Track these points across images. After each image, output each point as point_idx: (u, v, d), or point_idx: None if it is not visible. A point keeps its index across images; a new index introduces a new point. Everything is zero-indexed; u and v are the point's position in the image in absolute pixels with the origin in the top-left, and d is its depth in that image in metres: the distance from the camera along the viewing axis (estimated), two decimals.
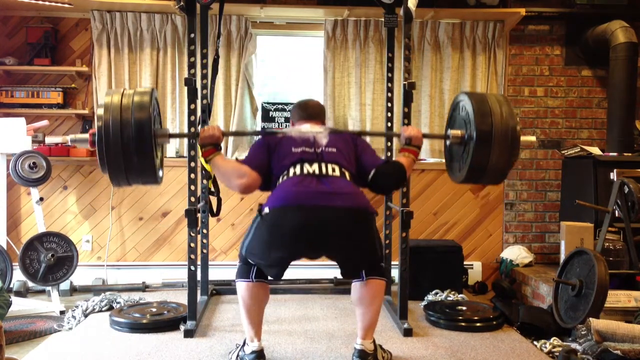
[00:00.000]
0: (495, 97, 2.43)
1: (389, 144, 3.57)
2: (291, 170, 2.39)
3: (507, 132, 2.32)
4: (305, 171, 2.37)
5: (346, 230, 2.29)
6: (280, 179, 2.42)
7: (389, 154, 3.55)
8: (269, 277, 2.43)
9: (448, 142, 2.58)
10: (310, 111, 2.66)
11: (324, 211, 2.27)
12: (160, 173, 2.43)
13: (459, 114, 2.51)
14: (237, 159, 2.51)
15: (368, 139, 3.90)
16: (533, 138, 2.57)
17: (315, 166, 2.39)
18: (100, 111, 2.18)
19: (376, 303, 2.44)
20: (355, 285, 2.45)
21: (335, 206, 2.27)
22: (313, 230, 2.26)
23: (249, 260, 2.42)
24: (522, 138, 2.40)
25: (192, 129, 2.96)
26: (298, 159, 2.41)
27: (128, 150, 2.15)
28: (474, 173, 2.41)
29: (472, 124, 2.32)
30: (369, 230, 2.37)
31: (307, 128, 2.53)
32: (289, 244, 2.30)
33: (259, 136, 2.68)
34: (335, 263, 2.40)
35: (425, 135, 2.62)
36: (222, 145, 4.11)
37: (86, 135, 2.23)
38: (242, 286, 2.42)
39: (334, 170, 2.40)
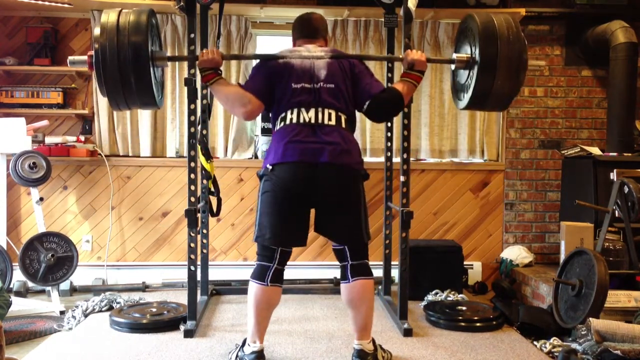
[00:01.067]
0: (504, 19, 2.39)
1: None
2: (288, 116, 2.42)
3: (513, 55, 2.28)
4: (301, 119, 2.40)
5: (331, 185, 2.35)
6: (279, 124, 2.45)
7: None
8: (291, 245, 2.45)
9: (453, 67, 2.54)
10: (311, 27, 2.61)
11: (314, 166, 2.33)
12: (160, 96, 2.41)
13: (465, 37, 2.47)
14: (239, 84, 2.48)
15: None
16: (542, 62, 2.54)
17: (312, 113, 2.40)
18: (97, 31, 2.16)
19: (365, 304, 2.42)
20: (343, 287, 2.45)
21: (324, 162, 2.33)
22: (306, 184, 2.34)
23: (265, 252, 2.41)
24: (531, 62, 2.36)
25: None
26: (296, 102, 2.41)
27: (125, 71, 2.13)
28: (478, 98, 2.37)
29: (477, 48, 2.28)
30: (355, 190, 2.42)
31: (308, 51, 2.50)
32: (291, 193, 2.35)
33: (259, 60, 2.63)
34: (334, 262, 2.40)
35: (429, 60, 2.55)
36: (222, 144, 4.16)
37: (84, 57, 2.21)
38: (255, 288, 2.41)
39: (329, 117, 2.41)
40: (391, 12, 3.46)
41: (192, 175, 2.98)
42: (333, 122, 2.41)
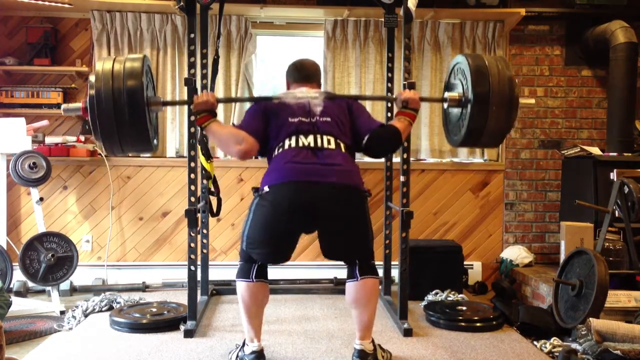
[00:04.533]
0: (493, 58, 2.40)
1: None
2: (286, 143, 2.39)
3: (505, 93, 2.29)
4: (300, 144, 2.37)
5: (338, 206, 2.32)
6: (276, 151, 2.41)
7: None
8: (276, 264, 2.44)
9: (446, 105, 2.56)
10: (305, 72, 2.63)
11: (317, 186, 2.29)
12: (155, 141, 2.41)
13: (456, 76, 2.49)
14: (233, 124, 2.48)
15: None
16: (532, 100, 2.55)
17: (311, 138, 2.38)
18: (92, 79, 2.16)
19: (372, 303, 2.44)
20: (349, 286, 2.44)
21: (328, 182, 2.30)
22: (308, 205, 2.30)
23: (250, 255, 2.41)
24: (522, 100, 2.38)
25: (192, 125, 2.94)
26: (294, 130, 2.40)
27: (120, 118, 2.13)
28: (472, 136, 2.38)
29: (470, 86, 2.30)
30: (360, 210, 2.39)
31: (302, 92, 2.50)
32: (287, 219, 2.32)
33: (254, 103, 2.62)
34: (326, 241, 2.39)
35: (422, 99, 2.57)
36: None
37: (79, 104, 2.21)
38: (242, 286, 2.42)
39: (329, 142, 2.39)
40: (391, 12, 3.46)
41: (192, 175, 2.98)
42: (332, 146, 2.39)
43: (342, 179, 2.33)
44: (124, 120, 2.14)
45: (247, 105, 4.02)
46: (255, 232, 2.36)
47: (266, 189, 2.33)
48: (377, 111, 4.17)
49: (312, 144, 2.37)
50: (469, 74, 2.31)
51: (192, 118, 2.98)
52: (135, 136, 2.21)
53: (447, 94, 2.49)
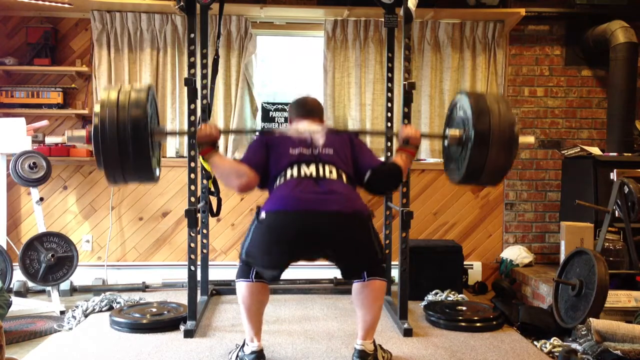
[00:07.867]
0: (494, 96, 2.42)
1: (389, 144, 3.56)
2: (288, 172, 2.39)
3: (505, 132, 2.30)
4: (302, 173, 2.37)
5: (342, 235, 2.30)
6: (278, 181, 2.42)
7: (388, 154, 3.54)
8: (269, 280, 2.44)
9: (446, 142, 2.57)
10: (308, 108, 2.66)
11: (320, 216, 2.28)
12: (158, 171, 2.42)
13: (457, 114, 2.50)
14: (235, 159, 2.50)
15: (367, 138, 3.94)
16: (531, 139, 2.56)
17: (313, 167, 2.39)
18: (97, 108, 2.17)
19: (377, 304, 2.44)
20: (356, 286, 2.44)
21: (330, 211, 2.28)
22: (310, 235, 2.28)
23: (249, 262, 2.43)
24: (521, 139, 2.39)
25: (192, 129, 2.94)
26: (295, 160, 2.41)
27: (124, 148, 2.14)
28: (473, 174, 2.39)
29: (470, 124, 2.31)
30: (366, 233, 2.37)
31: (304, 126, 2.53)
32: (286, 247, 2.32)
33: (256, 134, 2.68)
34: (334, 264, 2.40)
35: (423, 135, 2.61)
36: (222, 144, 4.16)
37: (83, 132, 2.22)
38: (241, 286, 2.43)
39: (330, 172, 2.40)
40: (391, 12, 3.46)
41: (192, 175, 2.98)
42: (334, 176, 2.40)
43: (344, 207, 2.31)
44: (127, 152, 2.15)
45: (246, 109, 4.11)
46: (253, 252, 2.37)
47: (263, 215, 2.31)
48: (377, 112, 4.17)
49: (314, 174, 2.37)
50: (470, 115, 2.32)
51: (192, 118, 2.98)
52: (138, 167, 2.22)
53: (447, 132, 2.50)
